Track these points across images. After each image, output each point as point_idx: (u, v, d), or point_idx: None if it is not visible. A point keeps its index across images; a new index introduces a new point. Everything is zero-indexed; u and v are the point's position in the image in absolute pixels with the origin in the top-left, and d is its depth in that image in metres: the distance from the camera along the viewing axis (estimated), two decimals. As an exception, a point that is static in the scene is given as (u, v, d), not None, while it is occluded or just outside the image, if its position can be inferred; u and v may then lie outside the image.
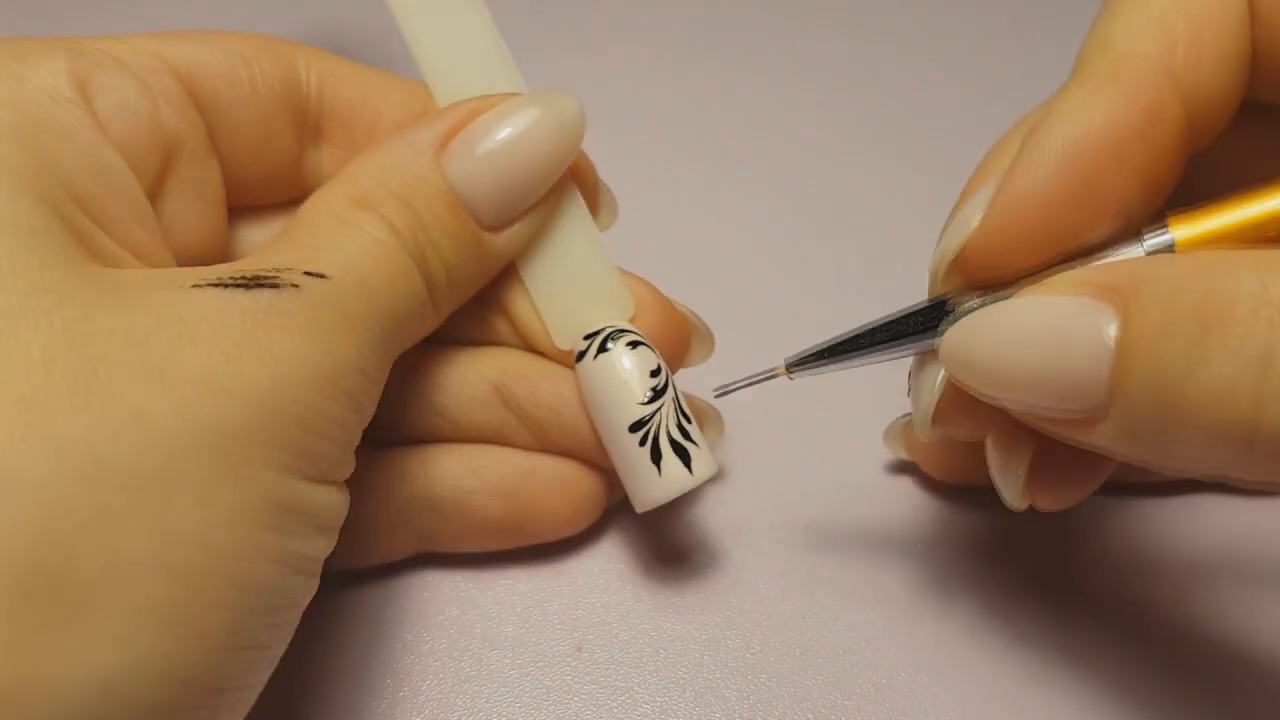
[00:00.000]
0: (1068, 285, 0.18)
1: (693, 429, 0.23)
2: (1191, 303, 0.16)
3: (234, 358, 0.17)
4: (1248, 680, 0.24)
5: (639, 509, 0.23)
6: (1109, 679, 0.23)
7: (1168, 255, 0.18)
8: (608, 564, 0.25)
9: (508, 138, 0.22)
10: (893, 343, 0.21)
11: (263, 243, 0.24)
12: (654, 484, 0.22)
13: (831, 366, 0.22)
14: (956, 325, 0.19)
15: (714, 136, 0.36)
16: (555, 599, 0.25)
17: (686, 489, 0.23)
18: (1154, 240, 0.19)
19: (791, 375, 0.22)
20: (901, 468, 0.27)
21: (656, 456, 0.22)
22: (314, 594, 0.19)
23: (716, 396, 0.24)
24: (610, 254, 0.24)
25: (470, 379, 0.24)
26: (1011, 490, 0.22)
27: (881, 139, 0.36)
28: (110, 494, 0.15)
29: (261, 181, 0.24)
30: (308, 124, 0.24)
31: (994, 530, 0.26)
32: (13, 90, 0.19)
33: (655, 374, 0.23)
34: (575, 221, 0.24)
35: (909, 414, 0.26)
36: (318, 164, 0.24)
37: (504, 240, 0.23)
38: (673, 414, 0.23)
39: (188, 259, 0.22)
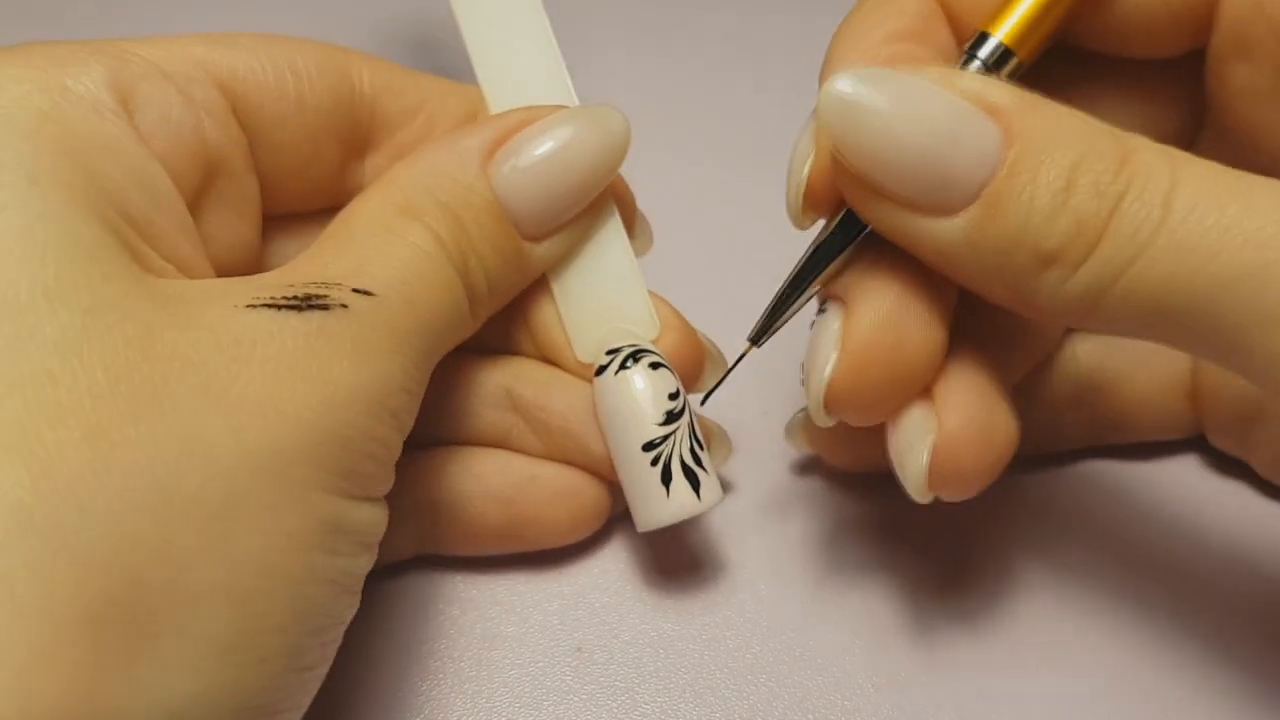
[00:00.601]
0: (962, 86, 0.19)
1: (704, 456, 0.23)
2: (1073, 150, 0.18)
3: (286, 381, 0.17)
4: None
5: (641, 529, 0.23)
6: (1110, 676, 0.24)
7: (1033, 100, 0.19)
8: (608, 564, 0.25)
9: (553, 149, 0.22)
10: (820, 270, 0.22)
11: (295, 252, 0.24)
12: (660, 506, 0.23)
13: (787, 318, 0.22)
14: (840, 81, 0.19)
15: (721, 139, 0.36)
16: (555, 599, 0.25)
17: (692, 514, 0.23)
18: (986, 50, 0.21)
19: (759, 344, 0.23)
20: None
21: (666, 479, 0.23)
22: (355, 611, 0.19)
23: (702, 404, 0.24)
24: (643, 275, 0.24)
25: (481, 380, 0.24)
26: (915, 478, 0.21)
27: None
28: (176, 524, 0.15)
29: (299, 193, 0.23)
30: (358, 136, 0.23)
31: (995, 529, 0.26)
32: (56, 102, 0.18)
33: (674, 397, 0.23)
34: (611, 238, 0.24)
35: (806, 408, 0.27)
36: (360, 174, 0.24)
37: (543, 250, 0.23)
38: (687, 439, 0.23)
39: (222, 271, 0.21)
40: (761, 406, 0.28)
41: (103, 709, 0.14)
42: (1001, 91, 0.19)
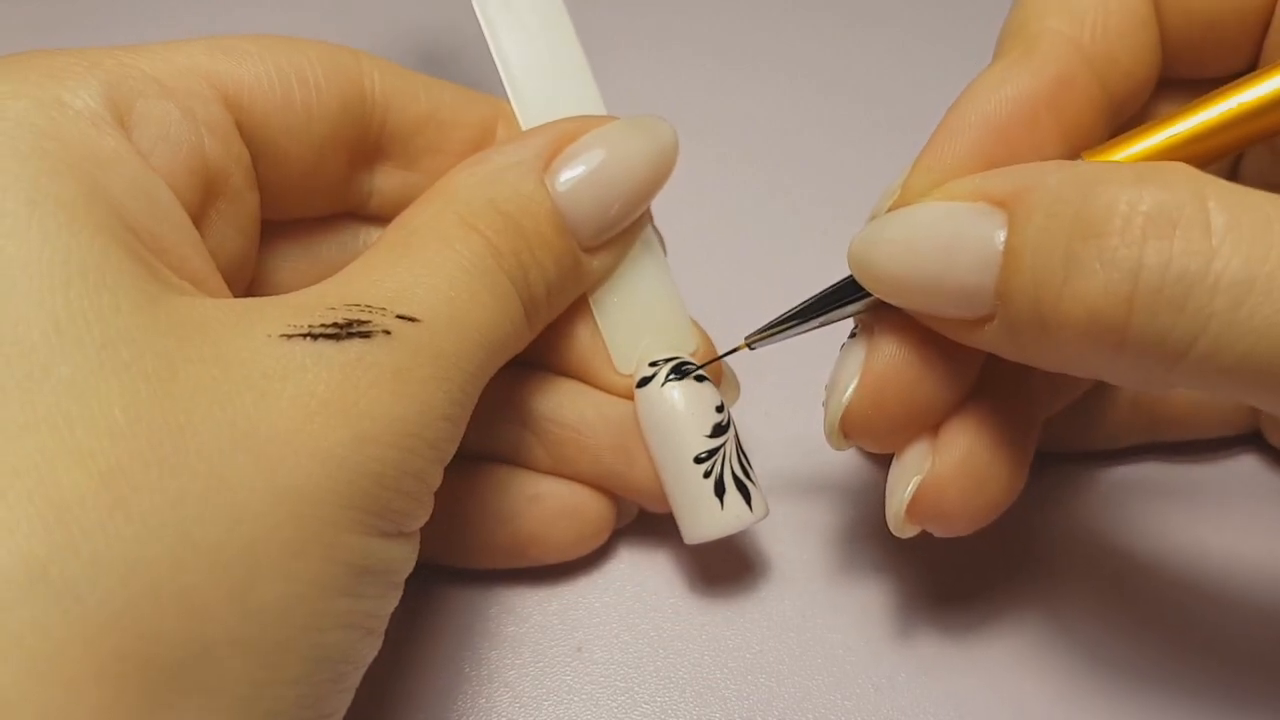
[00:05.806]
0: (964, 191, 0.19)
1: (752, 470, 0.23)
2: (1070, 212, 0.17)
3: (319, 417, 0.16)
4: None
5: (690, 541, 0.23)
6: (1107, 675, 0.24)
7: (1057, 162, 0.19)
8: (608, 564, 0.25)
9: (609, 159, 0.22)
10: (837, 306, 0.21)
11: (296, 258, 0.23)
12: (714, 517, 0.23)
13: (785, 334, 0.22)
14: (863, 230, 0.20)
15: (719, 140, 0.36)
16: (555, 599, 0.25)
17: (745, 526, 0.23)
18: None
19: (752, 347, 0.23)
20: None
21: (720, 490, 0.23)
22: (377, 652, 0.19)
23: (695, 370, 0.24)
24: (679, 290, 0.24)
25: (488, 392, 0.24)
26: (893, 512, 0.21)
27: (886, 140, 0.36)
28: (196, 573, 0.15)
29: (302, 201, 0.23)
30: (367, 143, 0.23)
31: (993, 529, 0.26)
32: (53, 118, 0.18)
33: (720, 410, 0.23)
34: (650, 251, 0.24)
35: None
36: (369, 181, 0.24)
37: (598, 262, 0.23)
38: (735, 451, 0.23)
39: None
40: (763, 408, 0.28)
41: None
42: (1002, 177, 0.18)
